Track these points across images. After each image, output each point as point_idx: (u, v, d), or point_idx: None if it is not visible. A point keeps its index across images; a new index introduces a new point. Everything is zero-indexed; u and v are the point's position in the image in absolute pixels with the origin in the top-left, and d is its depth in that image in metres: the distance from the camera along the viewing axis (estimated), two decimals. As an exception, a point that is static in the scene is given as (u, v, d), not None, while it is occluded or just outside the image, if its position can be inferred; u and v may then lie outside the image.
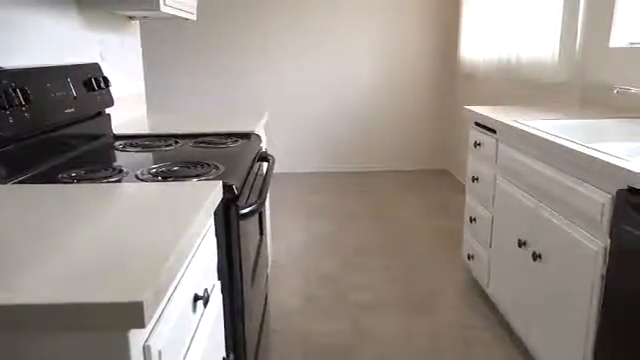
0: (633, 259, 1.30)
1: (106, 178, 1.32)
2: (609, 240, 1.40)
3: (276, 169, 4.97)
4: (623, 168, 1.31)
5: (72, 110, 1.64)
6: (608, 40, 2.45)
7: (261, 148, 1.99)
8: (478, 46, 4.07)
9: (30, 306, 0.64)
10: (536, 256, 1.81)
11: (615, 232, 1.37)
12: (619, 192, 1.34)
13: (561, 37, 2.79)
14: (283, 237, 3.35)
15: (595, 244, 1.47)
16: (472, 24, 4.22)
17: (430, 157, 5.14)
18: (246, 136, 1.96)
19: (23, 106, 1.35)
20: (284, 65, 4.90)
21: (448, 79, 4.94)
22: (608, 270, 1.41)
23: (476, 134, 2.48)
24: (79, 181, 1.30)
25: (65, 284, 0.69)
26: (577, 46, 2.71)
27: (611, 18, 2.42)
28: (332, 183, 4.69)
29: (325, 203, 4.09)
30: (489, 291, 2.38)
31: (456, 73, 4.78)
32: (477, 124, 2.46)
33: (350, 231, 3.46)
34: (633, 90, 1.98)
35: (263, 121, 2.37)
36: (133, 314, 0.64)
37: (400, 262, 2.97)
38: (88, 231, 0.89)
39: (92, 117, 1.84)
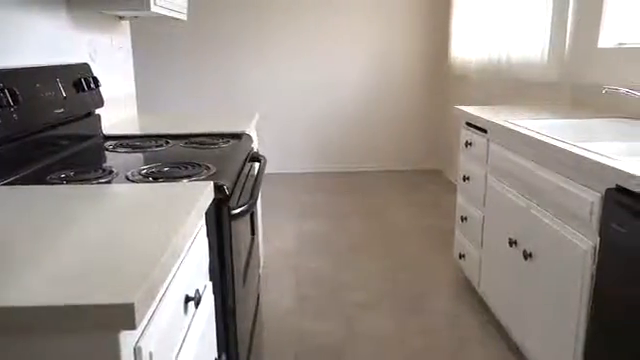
0: (622, 258, 1.31)
1: (96, 179, 1.31)
2: (598, 239, 1.41)
3: (269, 169, 4.97)
4: (612, 167, 1.32)
5: (61, 111, 1.63)
6: (597, 40, 2.47)
7: (252, 148, 1.99)
8: (469, 46, 4.09)
9: (20, 308, 0.63)
10: (527, 255, 1.82)
11: (604, 231, 1.38)
12: (608, 191, 1.36)
13: (550, 38, 2.82)
14: (275, 237, 3.35)
15: (585, 243, 1.48)
16: (463, 25, 4.24)
17: (422, 157, 5.15)
18: (237, 136, 1.95)
19: (12, 107, 1.34)
20: (277, 65, 4.89)
21: (440, 79, 4.96)
22: (597, 268, 1.43)
23: (467, 134, 2.49)
24: (69, 182, 1.29)
25: (55, 286, 0.68)
26: (566, 46, 2.73)
27: (600, 19, 2.44)
28: (325, 183, 4.69)
29: (318, 203, 4.09)
30: (480, 290, 2.39)
31: (448, 73, 4.80)
32: (468, 124, 2.47)
33: (343, 231, 3.46)
34: (621, 90, 2.00)
35: (254, 121, 2.37)
36: (124, 315, 0.64)
37: (392, 262, 2.97)
38: (78, 233, 0.88)
39: (82, 118, 1.83)
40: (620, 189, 1.31)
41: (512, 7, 3.26)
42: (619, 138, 1.97)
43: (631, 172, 1.25)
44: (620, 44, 2.38)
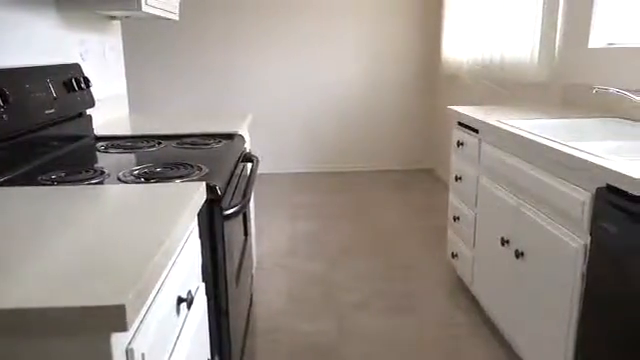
0: (612, 256, 1.32)
1: (87, 180, 1.30)
2: (589, 238, 1.42)
3: (262, 169, 4.96)
4: (602, 167, 1.33)
5: (52, 111, 1.62)
6: (587, 41, 2.49)
7: (245, 149, 1.99)
8: (461, 47, 4.11)
9: (10, 310, 0.63)
10: (518, 254, 1.83)
11: (595, 230, 1.39)
12: (599, 190, 1.37)
13: (541, 38, 2.83)
14: (268, 238, 3.34)
15: (576, 242, 1.49)
16: (455, 26, 4.26)
17: (415, 157, 5.17)
18: (230, 137, 1.95)
19: (1, 107, 1.33)
20: (270, 66, 4.88)
21: (432, 79, 4.98)
22: (588, 267, 1.44)
23: (459, 134, 2.50)
24: (60, 183, 1.28)
25: (46, 287, 0.68)
26: (557, 47, 2.75)
27: (589, 19, 2.46)
28: (318, 183, 4.69)
29: (310, 203, 4.09)
30: (473, 289, 2.40)
31: (440, 73, 4.82)
32: (460, 124, 2.48)
33: (336, 231, 3.46)
34: (611, 90, 2.01)
35: (247, 122, 2.37)
36: (115, 317, 0.63)
37: (385, 261, 2.98)
38: (69, 234, 0.87)
39: (73, 118, 1.82)
40: (611, 188, 1.32)
41: (503, 8, 3.27)
42: (610, 137, 1.99)
43: (622, 171, 1.26)
44: (610, 44, 2.40)
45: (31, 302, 0.64)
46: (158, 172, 1.38)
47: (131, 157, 1.63)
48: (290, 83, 4.94)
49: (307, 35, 4.84)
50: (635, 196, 1.22)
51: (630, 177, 1.22)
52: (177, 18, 2.42)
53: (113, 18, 2.46)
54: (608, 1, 2.39)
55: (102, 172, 1.38)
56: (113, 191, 1.18)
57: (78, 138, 1.84)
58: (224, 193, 1.32)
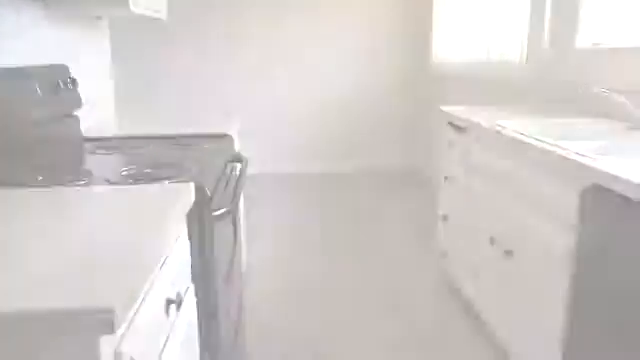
0: (599, 255, 1.33)
1: (74, 182, 1.29)
2: (577, 237, 1.44)
3: (251, 170, 4.93)
4: (589, 166, 1.34)
5: (39, 112, 1.60)
6: (574, 41, 2.51)
7: (234, 149, 1.98)
8: (450, 47, 4.13)
9: (-4, 314, 0.62)
10: (507, 253, 1.84)
11: (582, 229, 1.40)
12: (586, 190, 1.38)
13: (529, 38, 2.86)
14: (258, 238, 3.33)
15: (564, 241, 1.50)
16: (444, 26, 4.28)
17: (405, 157, 5.19)
18: (219, 137, 1.94)
19: (-13, 108, 1.31)
20: (260, 67, 4.88)
21: (421, 80, 5.00)
22: (576, 266, 1.45)
23: (448, 134, 2.51)
24: (47, 185, 1.26)
25: (33, 290, 0.67)
26: (544, 47, 2.77)
27: (576, 20, 2.48)
28: (307, 184, 4.69)
29: (300, 204, 4.08)
30: (463, 288, 2.41)
31: (429, 74, 4.84)
32: (449, 124, 2.49)
33: (325, 232, 3.46)
34: (597, 90, 2.03)
35: (236, 122, 2.36)
36: (104, 320, 0.63)
37: (375, 262, 2.98)
38: (57, 236, 0.87)
39: (60, 119, 1.80)
40: (598, 187, 1.33)
41: (491, 9, 3.30)
42: (596, 137, 2.00)
43: (608, 171, 1.27)
44: (595, 44, 2.42)
45: (17, 305, 0.63)
46: (147, 173, 1.38)
47: (119, 158, 1.61)
48: (279, 84, 4.93)
49: (297, 36, 4.84)
50: (622, 195, 1.23)
51: (617, 176, 1.24)
52: (165, 18, 2.40)
53: (100, 18, 2.44)
54: (594, 2, 2.41)
55: (90, 174, 1.37)
56: (101, 193, 1.18)
57: (65, 139, 1.82)
58: (213, 194, 1.31)
